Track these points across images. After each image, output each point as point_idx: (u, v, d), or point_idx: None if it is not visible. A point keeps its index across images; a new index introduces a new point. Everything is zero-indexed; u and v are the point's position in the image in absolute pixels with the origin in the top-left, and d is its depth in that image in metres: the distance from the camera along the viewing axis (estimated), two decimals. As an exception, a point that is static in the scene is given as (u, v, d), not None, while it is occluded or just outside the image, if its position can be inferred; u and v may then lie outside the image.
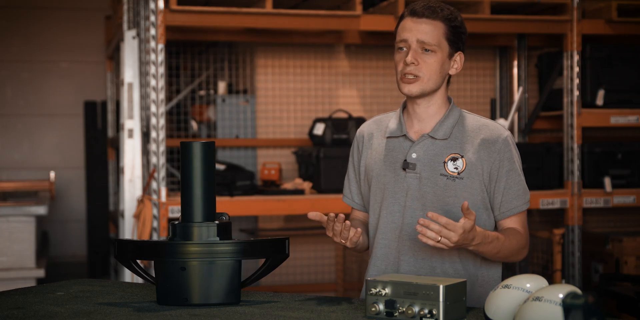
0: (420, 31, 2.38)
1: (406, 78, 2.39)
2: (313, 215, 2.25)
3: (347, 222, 2.27)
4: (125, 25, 5.20)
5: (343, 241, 2.29)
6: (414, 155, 2.42)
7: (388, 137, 2.49)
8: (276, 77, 5.92)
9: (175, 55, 5.97)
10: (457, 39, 2.43)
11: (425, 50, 2.38)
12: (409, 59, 2.37)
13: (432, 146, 2.41)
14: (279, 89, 5.93)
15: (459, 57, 2.46)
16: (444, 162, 2.39)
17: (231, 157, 5.83)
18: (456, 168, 2.39)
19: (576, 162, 5.18)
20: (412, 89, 2.39)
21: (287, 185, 5.21)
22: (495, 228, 2.47)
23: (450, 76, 2.49)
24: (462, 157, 2.39)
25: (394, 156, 2.46)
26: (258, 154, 5.92)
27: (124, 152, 4.83)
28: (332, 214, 2.24)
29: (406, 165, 2.41)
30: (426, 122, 2.45)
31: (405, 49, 2.40)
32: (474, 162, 2.38)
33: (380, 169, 2.47)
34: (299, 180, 5.22)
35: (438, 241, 2.17)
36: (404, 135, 2.45)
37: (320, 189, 5.13)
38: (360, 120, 5.49)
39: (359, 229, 2.29)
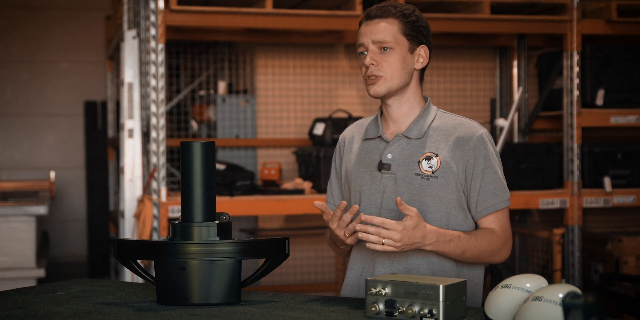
0: (374, 32, 2.37)
1: (370, 80, 2.38)
2: (319, 204, 2.24)
3: (363, 215, 2.21)
4: (125, 25, 5.20)
5: (347, 235, 2.26)
6: (389, 156, 2.40)
7: (365, 140, 2.48)
8: (276, 77, 5.93)
9: (175, 55, 5.97)
10: (417, 33, 2.39)
11: (384, 48, 2.36)
12: (367, 60, 2.36)
13: (407, 146, 2.39)
14: (279, 89, 5.93)
15: (422, 51, 2.41)
16: (419, 162, 2.36)
17: (231, 157, 5.83)
18: (430, 167, 2.35)
19: (576, 162, 5.18)
20: (377, 89, 2.38)
21: (287, 185, 5.21)
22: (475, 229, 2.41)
23: (422, 74, 2.45)
24: (436, 156, 2.35)
25: (370, 158, 2.44)
26: (258, 154, 5.92)
27: (124, 152, 4.83)
28: (344, 202, 2.22)
29: (381, 166, 2.39)
30: (401, 122, 2.43)
31: (365, 53, 2.39)
32: (448, 161, 2.35)
33: (357, 171, 2.45)
34: (299, 180, 5.22)
35: (383, 244, 2.16)
36: (380, 136, 2.44)
37: (320, 188, 5.13)
38: (360, 120, 5.49)
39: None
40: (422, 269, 2.36)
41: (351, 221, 2.25)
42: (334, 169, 2.58)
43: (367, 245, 2.18)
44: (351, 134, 2.55)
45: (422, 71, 2.45)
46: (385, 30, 2.36)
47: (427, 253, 2.34)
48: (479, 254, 2.32)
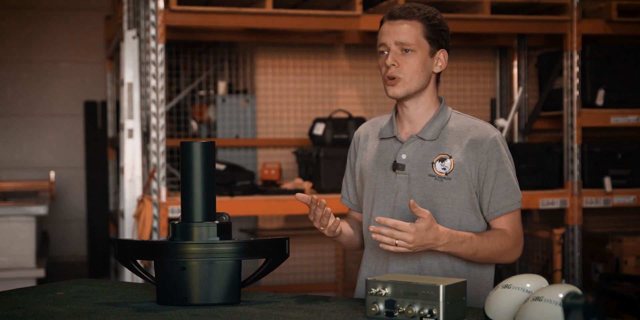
0: (397, 32, 2.39)
1: (389, 81, 2.40)
2: (301, 196, 2.28)
3: (328, 209, 2.30)
4: (125, 25, 5.20)
5: (322, 228, 2.32)
6: (403, 156, 2.42)
7: (380, 139, 2.50)
8: (276, 77, 5.92)
9: (175, 55, 5.97)
10: (438, 37, 2.42)
11: (405, 50, 2.39)
12: (389, 61, 2.38)
13: (421, 147, 2.42)
14: (279, 89, 5.93)
15: (442, 55, 2.44)
16: (432, 163, 2.39)
17: (231, 157, 5.83)
18: (444, 169, 2.38)
19: (576, 162, 5.18)
20: (396, 91, 2.40)
21: (287, 185, 5.21)
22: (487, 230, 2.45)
23: (439, 76, 2.48)
24: (450, 157, 2.38)
25: (385, 157, 2.47)
26: (258, 154, 5.92)
27: (124, 152, 4.83)
28: (315, 197, 2.27)
29: (395, 166, 2.42)
30: (416, 123, 2.45)
31: (386, 52, 2.41)
32: (461, 163, 2.37)
33: (372, 170, 2.48)
34: (299, 180, 5.22)
35: (396, 245, 2.21)
36: (395, 136, 2.46)
37: (320, 189, 5.13)
38: (360, 120, 5.49)
39: (338, 219, 2.33)
40: (435, 268, 2.39)
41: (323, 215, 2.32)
42: (349, 165, 2.61)
43: (381, 246, 2.22)
44: (366, 132, 2.57)
45: (439, 74, 2.48)
46: (408, 32, 2.38)
47: (439, 253, 2.37)
48: (490, 254, 2.36)
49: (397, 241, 2.21)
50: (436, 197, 2.37)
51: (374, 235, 2.21)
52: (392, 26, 2.40)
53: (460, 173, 2.37)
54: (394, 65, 2.38)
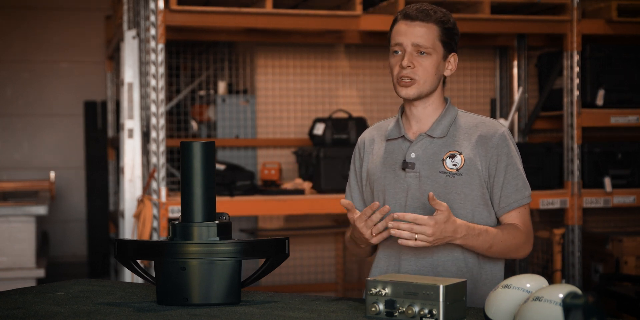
0: (415, 34, 2.40)
1: (403, 81, 2.42)
2: (345, 202, 2.29)
3: (397, 214, 2.24)
4: (125, 25, 5.20)
5: (373, 234, 2.29)
6: (412, 155, 2.44)
7: (387, 140, 2.51)
8: (276, 77, 5.92)
9: (175, 55, 5.97)
10: (451, 41, 2.45)
11: (421, 53, 2.41)
12: (405, 62, 2.40)
13: (430, 145, 2.44)
14: (279, 89, 5.93)
15: (452, 59, 2.48)
16: (443, 160, 2.41)
17: (231, 157, 5.83)
18: (455, 165, 2.40)
19: (576, 162, 5.18)
20: (410, 92, 2.42)
21: (287, 185, 5.21)
22: (498, 225, 2.47)
23: (445, 77, 2.51)
24: (460, 153, 2.41)
25: (393, 158, 2.48)
26: (258, 154, 5.92)
27: (124, 152, 4.83)
28: (377, 203, 2.26)
29: (405, 165, 2.43)
30: (424, 122, 2.48)
31: (400, 52, 2.43)
32: (472, 159, 2.40)
33: (380, 171, 2.49)
34: (299, 180, 5.22)
35: (415, 239, 2.22)
36: (403, 136, 2.48)
37: (320, 189, 5.13)
38: (360, 120, 5.49)
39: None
40: (448, 265, 2.41)
41: (379, 221, 2.30)
42: (353, 171, 2.62)
43: (400, 241, 2.23)
44: (371, 136, 2.59)
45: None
46: (426, 35, 2.41)
47: (452, 250, 2.39)
48: (504, 248, 2.39)
49: (416, 236, 2.22)
50: (449, 194, 2.39)
51: (393, 231, 2.22)
52: (409, 27, 2.42)
53: (471, 168, 2.40)
54: (410, 66, 2.40)
